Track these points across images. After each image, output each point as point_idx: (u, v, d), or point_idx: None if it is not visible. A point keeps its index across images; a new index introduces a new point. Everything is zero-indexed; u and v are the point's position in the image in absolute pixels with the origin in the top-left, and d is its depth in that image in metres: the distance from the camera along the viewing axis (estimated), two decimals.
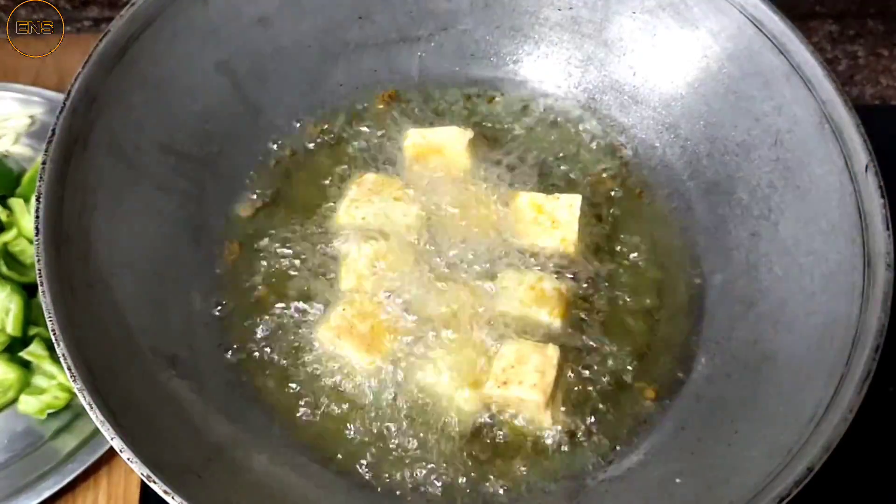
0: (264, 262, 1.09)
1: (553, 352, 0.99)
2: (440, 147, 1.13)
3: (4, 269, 1.14)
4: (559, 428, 0.98)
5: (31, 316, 1.12)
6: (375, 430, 0.99)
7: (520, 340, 1.01)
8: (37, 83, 1.38)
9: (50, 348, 1.11)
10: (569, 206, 1.08)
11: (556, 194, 1.10)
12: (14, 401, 1.10)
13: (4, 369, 1.09)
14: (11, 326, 1.10)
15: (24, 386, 1.10)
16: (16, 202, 1.20)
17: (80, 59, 0.97)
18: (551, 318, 1.02)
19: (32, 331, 1.13)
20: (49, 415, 1.09)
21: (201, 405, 0.96)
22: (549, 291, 1.04)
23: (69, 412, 1.10)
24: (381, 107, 1.21)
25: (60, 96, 0.99)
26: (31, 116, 1.34)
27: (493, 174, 1.14)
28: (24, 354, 1.10)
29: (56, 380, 1.10)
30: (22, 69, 1.42)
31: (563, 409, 0.99)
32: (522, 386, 0.96)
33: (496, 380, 0.98)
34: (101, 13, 1.51)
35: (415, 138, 1.15)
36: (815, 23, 1.57)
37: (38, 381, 1.10)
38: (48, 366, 1.10)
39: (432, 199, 1.11)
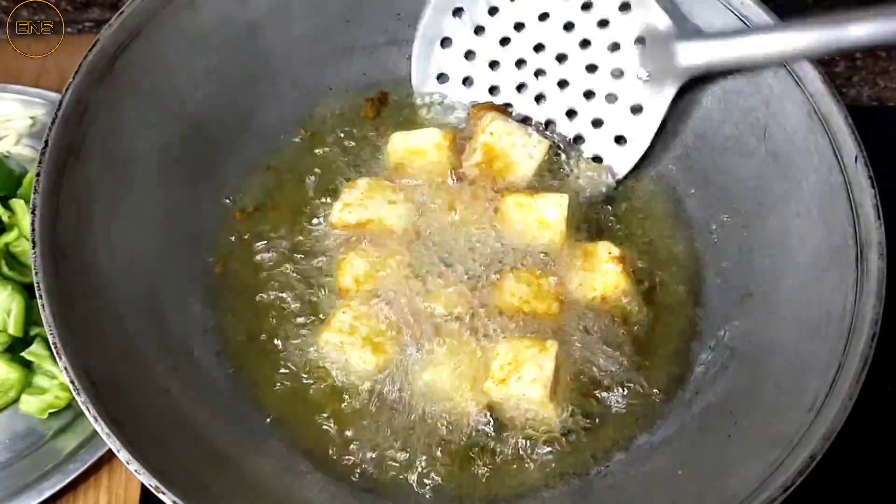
0: (260, 267, 1.09)
1: (551, 346, 0.97)
2: (421, 150, 1.12)
3: (6, 270, 1.15)
4: (562, 424, 0.98)
5: (32, 316, 1.12)
6: (377, 434, 0.99)
7: (516, 338, 1.00)
8: (38, 84, 1.38)
9: (51, 348, 1.11)
10: (557, 206, 1.06)
11: (544, 194, 1.07)
12: (15, 401, 1.11)
13: (6, 369, 1.10)
14: (13, 327, 1.11)
15: (26, 386, 1.11)
16: (17, 203, 1.20)
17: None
18: (548, 316, 1.02)
19: (33, 331, 1.13)
20: (50, 414, 1.10)
21: (204, 413, 0.96)
22: (546, 290, 1.03)
23: (70, 412, 1.11)
24: (371, 109, 1.21)
25: None
26: (33, 117, 1.34)
27: (483, 174, 1.11)
28: (25, 354, 1.11)
29: (57, 380, 1.11)
30: (23, 70, 1.41)
31: (564, 405, 0.98)
32: (522, 382, 0.95)
33: (495, 379, 0.96)
34: (102, 15, 1.51)
35: (396, 143, 1.13)
36: None
37: (40, 380, 1.11)
38: (49, 366, 1.10)
39: (424, 202, 1.10)
